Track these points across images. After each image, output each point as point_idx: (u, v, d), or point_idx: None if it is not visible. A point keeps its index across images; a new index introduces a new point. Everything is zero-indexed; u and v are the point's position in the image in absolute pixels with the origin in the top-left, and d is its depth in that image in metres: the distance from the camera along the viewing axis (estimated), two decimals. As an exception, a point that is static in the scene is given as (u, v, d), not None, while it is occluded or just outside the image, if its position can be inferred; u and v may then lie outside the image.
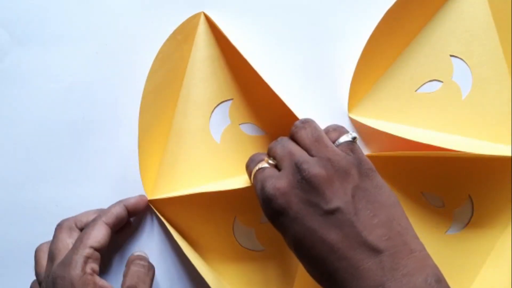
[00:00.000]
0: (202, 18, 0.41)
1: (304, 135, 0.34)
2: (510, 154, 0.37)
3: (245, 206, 0.41)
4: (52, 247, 0.37)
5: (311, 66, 0.41)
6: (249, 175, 0.36)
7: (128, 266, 0.38)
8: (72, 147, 0.41)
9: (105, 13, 0.42)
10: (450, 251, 0.40)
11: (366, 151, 0.41)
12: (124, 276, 0.37)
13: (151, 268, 0.38)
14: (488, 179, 0.40)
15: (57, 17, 0.42)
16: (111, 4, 0.42)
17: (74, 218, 0.38)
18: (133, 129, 0.40)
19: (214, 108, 0.41)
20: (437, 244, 0.40)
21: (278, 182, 0.32)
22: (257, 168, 0.34)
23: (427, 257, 0.30)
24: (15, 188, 0.42)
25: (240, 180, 0.39)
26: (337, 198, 0.30)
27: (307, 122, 0.35)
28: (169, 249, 0.41)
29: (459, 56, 0.41)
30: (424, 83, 0.41)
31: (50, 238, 0.37)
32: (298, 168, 0.31)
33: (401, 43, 0.41)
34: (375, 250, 0.29)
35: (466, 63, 0.41)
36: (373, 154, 0.41)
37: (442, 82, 0.41)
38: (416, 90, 0.41)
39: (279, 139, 0.35)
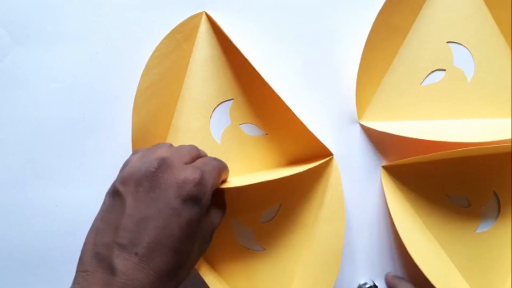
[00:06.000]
0: (204, 18, 0.41)
1: None
2: None
3: (245, 206, 0.41)
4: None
5: (312, 66, 0.41)
6: None
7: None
8: (72, 147, 0.41)
9: (105, 13, 0.42)
10: (482, 249, 0.40)
11: (383, 162, 0.41)
12: None
13: (226, 168, 0.35)
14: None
15: (57, 17, 0.42)
16: (111, 4, 0.42)
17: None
18: (133, 129, 0.40)
19: (215, 108, 0.41)
20: (468, 244, 0.40)
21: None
22: None
23: None
24: (15, 188, 0.42)
25: (240, 180, 0.39)
26: None
27: None
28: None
29: (456, 41, 0.40)
30: (428, 75, 0.41)
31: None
32: None
33: (397, 40, 0.41)
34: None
35: (464, 47, 0.40)
36: (393, 163, 0.40)
37: (445, 70, 0.41)
38: (421, 83, 0.41)
39: None
